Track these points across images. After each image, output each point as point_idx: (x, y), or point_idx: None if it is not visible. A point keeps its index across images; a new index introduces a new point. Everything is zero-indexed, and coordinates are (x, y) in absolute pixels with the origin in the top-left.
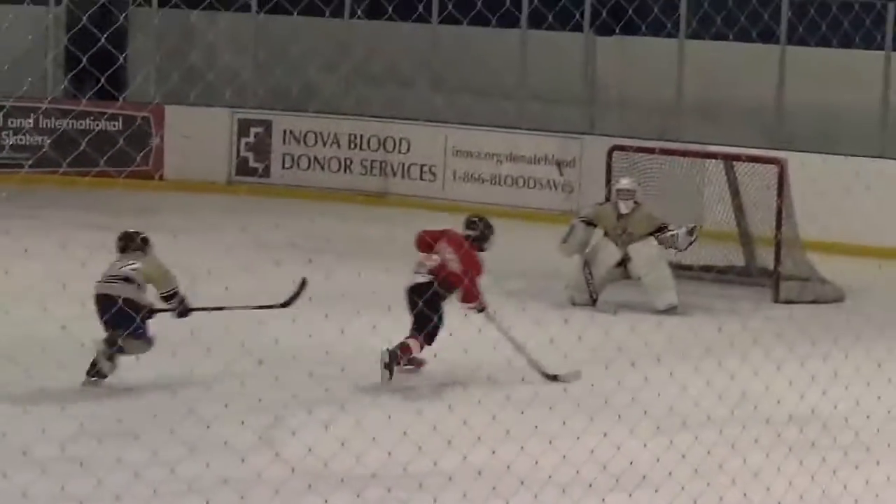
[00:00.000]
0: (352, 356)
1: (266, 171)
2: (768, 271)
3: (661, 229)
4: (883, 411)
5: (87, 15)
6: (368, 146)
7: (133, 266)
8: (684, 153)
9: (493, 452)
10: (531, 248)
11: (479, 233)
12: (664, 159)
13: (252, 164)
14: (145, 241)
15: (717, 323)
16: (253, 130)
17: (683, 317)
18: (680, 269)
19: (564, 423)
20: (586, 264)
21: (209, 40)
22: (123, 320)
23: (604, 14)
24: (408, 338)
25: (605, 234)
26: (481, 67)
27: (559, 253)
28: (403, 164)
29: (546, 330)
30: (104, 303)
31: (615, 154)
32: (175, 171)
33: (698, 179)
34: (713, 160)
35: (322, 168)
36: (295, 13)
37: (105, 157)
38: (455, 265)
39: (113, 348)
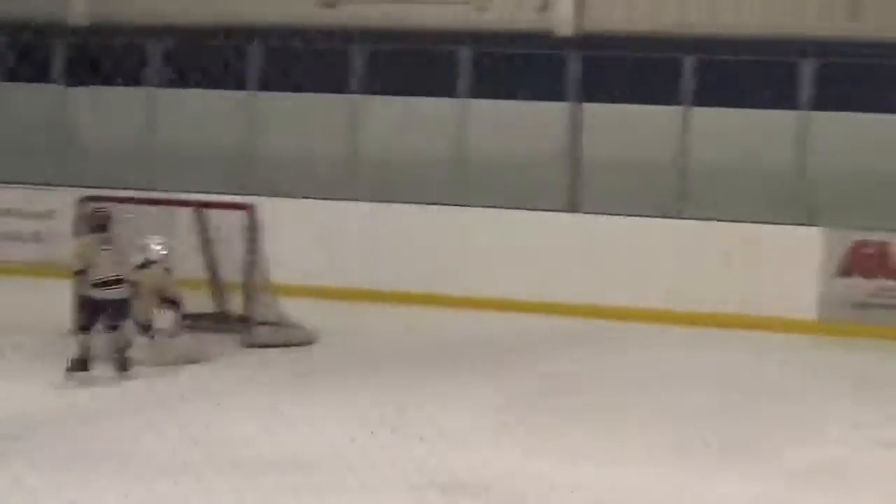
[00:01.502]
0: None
1: None
2: (242, 317)
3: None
4: (361, 450)
5: None
6: None
7: None
8: (154, 201)
9: None
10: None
11: None
12: (135, 209)
13: None
14: None
15: (190, 372)
16: None
17: (157, 366)
18: None
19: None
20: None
21: None
22: None
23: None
24: None
25: None
26: None
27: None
28: None
29: None
30: None
31: (85, 204)
32: None
33: (170, 228)
34: (186, 208)
35: None
36: None
37: None
38: None
39: None
